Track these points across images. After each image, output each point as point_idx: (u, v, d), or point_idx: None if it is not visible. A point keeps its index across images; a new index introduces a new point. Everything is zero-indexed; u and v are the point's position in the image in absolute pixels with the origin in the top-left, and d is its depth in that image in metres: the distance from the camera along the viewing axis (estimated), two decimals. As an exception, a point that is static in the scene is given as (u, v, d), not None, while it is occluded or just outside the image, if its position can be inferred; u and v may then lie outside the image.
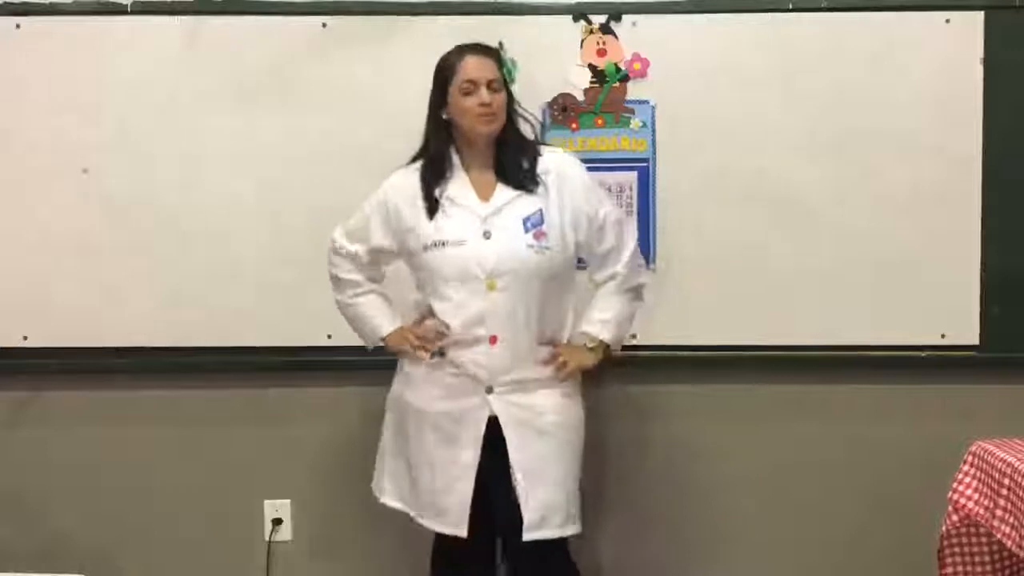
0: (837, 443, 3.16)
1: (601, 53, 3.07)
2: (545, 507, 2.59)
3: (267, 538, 3.22)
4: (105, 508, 3.20)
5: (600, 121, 3.08)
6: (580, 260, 2.74)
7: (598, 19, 3.06)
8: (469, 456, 2.60)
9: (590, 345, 2.69)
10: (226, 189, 3.10)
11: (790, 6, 3.04)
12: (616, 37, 3.07)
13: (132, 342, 3.12)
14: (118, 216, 3.10)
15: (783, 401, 3.16)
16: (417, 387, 2.67)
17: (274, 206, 3.10)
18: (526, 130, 2.71)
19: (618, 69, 3.07)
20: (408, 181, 2.66)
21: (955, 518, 2.56)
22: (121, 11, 3.07)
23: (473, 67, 2.60)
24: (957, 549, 2.60)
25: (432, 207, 2.61)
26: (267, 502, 3.22)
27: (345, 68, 3.07)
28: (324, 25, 3.07)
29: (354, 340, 3.09)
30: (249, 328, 3.11)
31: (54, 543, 3.17)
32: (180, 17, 3.07)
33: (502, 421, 2.60)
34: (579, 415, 2.71)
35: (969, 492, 2.50)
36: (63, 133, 3.09)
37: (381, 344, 2.75)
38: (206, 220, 3.10)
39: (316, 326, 3.10)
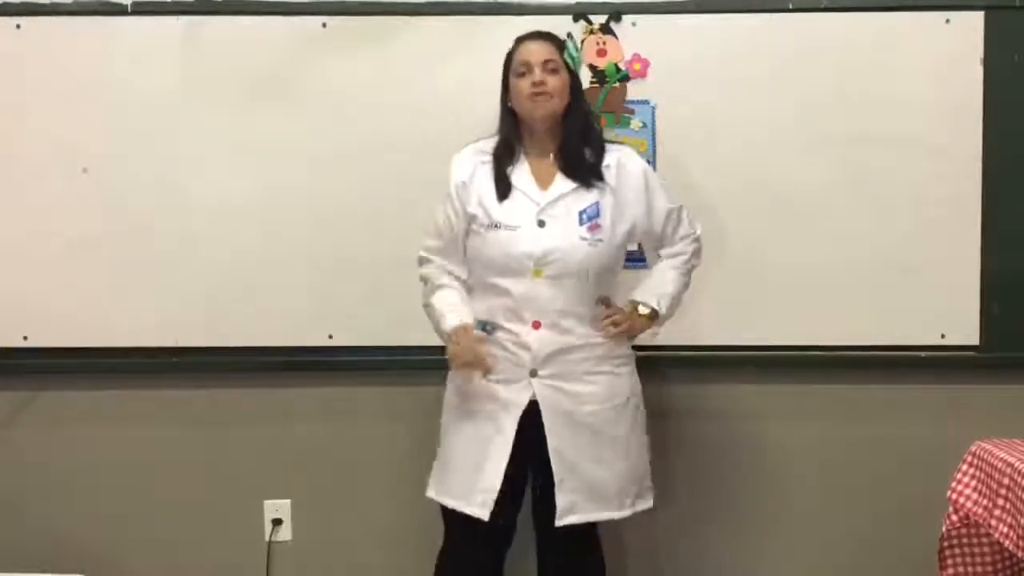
0: (837, 443, 3.16)
1: (601, 53, 3.07)
2: (576, 493, 2.61)
3: (267, 538, 3.22)
4: (105, 508, 3.20)
5: (600, 121, 3.07)
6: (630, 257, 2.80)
7: (598, 19, 3.07)
8: (504, 442, 2.60)
9: (643, 311, 2.71)
10: (226, 189, 3.10)
11: (790, 6, 3.04)
12: (616, 37, 3.07)
13: (132, 342, 3.12)
14: (118, 216, 3.10)
15: (783, 401, 3.16)
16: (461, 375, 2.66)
17: (274, 206, 3.10)
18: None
19: (618, 69, 3.07)
20: (473, 159, 2.68)
21: (955, 518, 2.56)
22: (121, 11, 3.07)
23: (527, 50, 2.64)
24: (957, 549, 2.60)
25: (502, 188, 2.63)
26: (267, 502, 3.22)
27: (345, 68, 3.07)
28: (324, 25, 3.07)
29: (354, 340, 3.12)
30: (249, 328, 3.11)
31: (54, 543, 3.17)
32: (180, 17, 3.07)
33: (542, 406, 2.60)
34: (626, 397, 2.69)
35: (968, 492, 2.50)
36: (63, 133, 3.09)
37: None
38: (206, 220, 3.10)
39: (316, 326, 3.10)
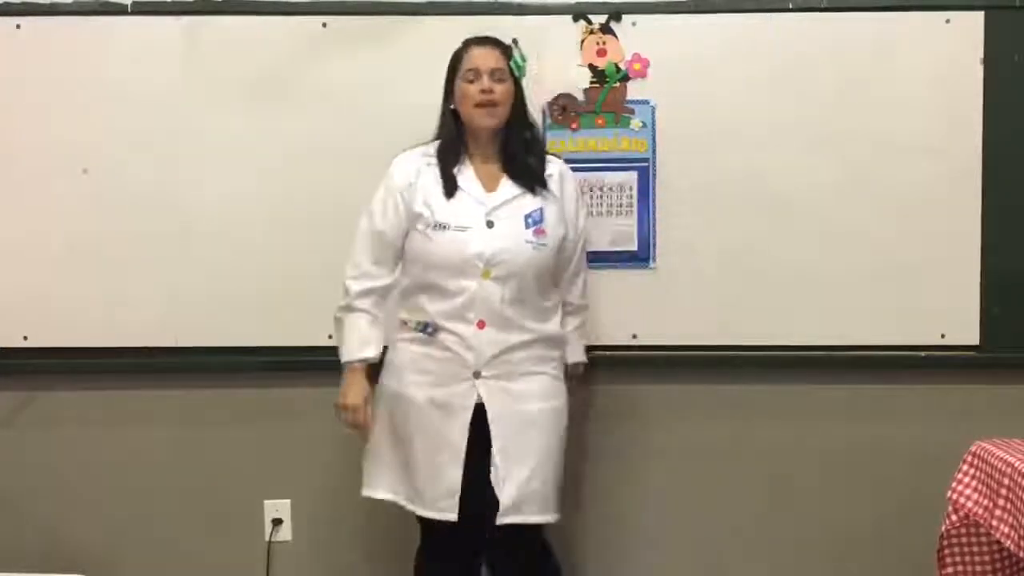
0: (837, 443, 3.16)
1: (601, 53, 3.07)
2: (521, 493, 2.61)
3: (267, 538, 3.22)
4: (105, 508, 3.20)
5: (600, 121, 3.08)
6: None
7: (598, 19, 3.06)
8: (457, 442, 2.62)
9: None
10: (226, 189, 3.10)
11: (790, 6, 3.04)
12: (616, 37, 3.07)
13: (132, 342, 3.12)
14: (118, 216, 3.10)
15: (783, 401, 3.16)
16: (404, 375, 2.68)
17: (274, 206, 3.10)
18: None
19: (618, 69, 3.07)
20: (416, 161, 2.70)
21: (955, 518, 2.56)
22: (121, 11, 3.07)
23: (476, 56, 2.67)
24: (957, 549, 2.60)
25: (449, 189, 2.64)
26: (267, 502, 3.22)
27: (345, 68, 3.07)
28: (324, 25, 3.07)
29: (354, 340, 3.11)
30: (249, 328, 3.11)
31: (54, 543, 3.17)
32: (180, 17, 3.07)
33: (487, 406, 2.62)
34: (564, 402, 2.73)
35: (968, 492, 2.50)
36: (63, 133, 3.09)
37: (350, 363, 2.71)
38: (206, 220, 3.10)
39: (316, 326, 3.09)
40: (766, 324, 3.10)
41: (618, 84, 3.07)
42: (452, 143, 2.69)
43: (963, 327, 3.08)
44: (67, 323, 3.12)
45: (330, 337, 3.06)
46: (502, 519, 2.60)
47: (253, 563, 3.22)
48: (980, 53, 3.04)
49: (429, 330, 2.64)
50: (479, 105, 2.64)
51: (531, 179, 2.69)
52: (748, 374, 3.14)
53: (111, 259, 3.11)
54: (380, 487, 2.73)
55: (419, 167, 2.69)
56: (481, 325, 2.61)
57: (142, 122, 3.08)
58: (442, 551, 2.72)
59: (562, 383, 2.74)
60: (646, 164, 3.08)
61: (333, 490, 3.20)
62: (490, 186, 2.67)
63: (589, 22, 3.07)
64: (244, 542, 3.22)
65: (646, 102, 3.08)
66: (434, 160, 2.69)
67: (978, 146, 3.05)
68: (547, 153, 2.80)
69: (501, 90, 2.65)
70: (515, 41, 2.88)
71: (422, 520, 2.70)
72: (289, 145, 3.09)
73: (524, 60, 2.76)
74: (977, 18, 3.03)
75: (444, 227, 2.62)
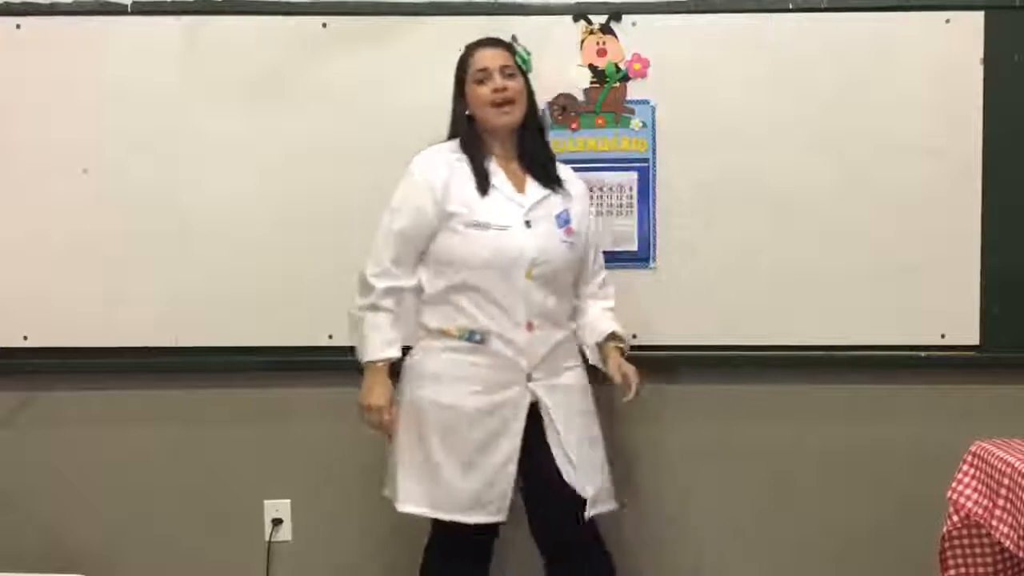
0: (837, 443, 3.16)
1: (601, 53, 3.07)
2: (595, 485, 2.64)
3: (267, 538, 3.22)
4: (105, 508, 3.20)
5: (600, 121, 3.08)
6: None
7: (598, 19, 3.06)
8: (512, 446, 2.61)
9: (622, 346, 2.79)
10: (226, 189, 3.10)
11: (790, 6, 3.04)
12: (616, 37, 3.07)
13: (132, 342, 3.12)
14: (118, 216, 3.10)
15: (783, 401, 3.16)
16: (447, 385, 2.62)
17: (274, 206, 3.10)
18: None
19: (618, 69, 3.07)
20: (445, 157, 2.65)
21: (956, 518, 2.56)
22: (121, 11, 3.07)
23: (484, 56, 2.67)
24: (959, 550, 2.60)
25: (483, 185, 2.62)
26: (267, 502, 3.22)
27: (345, 68, 3.07)
28: (324, 25, 3.07)
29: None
30: (249, 328, 3.11)
31: (54, 543, 3.17)
32: (180, 17, 3.07)
33: (548, 406, 2.62)
34: (590, 388, 2.78)
35: (968, 492, 2.50)
36: (63, 133, 3.09)
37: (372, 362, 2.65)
38: (206, 220, 3.10)
39: (316, 326, 3.10)
40: (766, 324, 3.10)
41: (618, 84, 3.07)
42: (469, 146, 2.67)
43: (963, 327, 3.08)
44: (67, 323, 3.12)
45: (330, 337, 3.09)
46: (592, 510, 2.61)
47: (253, 563, 3.22)
48: (980, 53, 3.04)
49: (477, 338, 2.60)
50: (494, 104, 2.63)
51: (551, 180, 2.71)
52: (748, 374, 3.14)
53: (111, 259, 3.11)
54: (410, 501, 2.66)
55: (449, 164, 2.64)
56: (530, 327, 2.61)
57: (142, 122, 3.08)
58: (462, 550, 2.70)
59: (585, 373, 2.78)
60: (646, 164, 3.08)
61: (333, 490, 3.20)
62: (518, 186, 2.67)
63: (589, 22, 3.07)
64: (244, 542, 3.22)
65: (646, 102, 3.08)
66: (463, 157, 2.65)
67: (978, 146, 3.05)
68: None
69: (514, 86, 2.65)
70: (514, 37, 2.88)
71: (439, 521, 2.67)
72: (289, 145, 3.08)
73: (528, 53, 2.75)
74: (977, 18, 3.03)
75: (485, 226, 2.59)
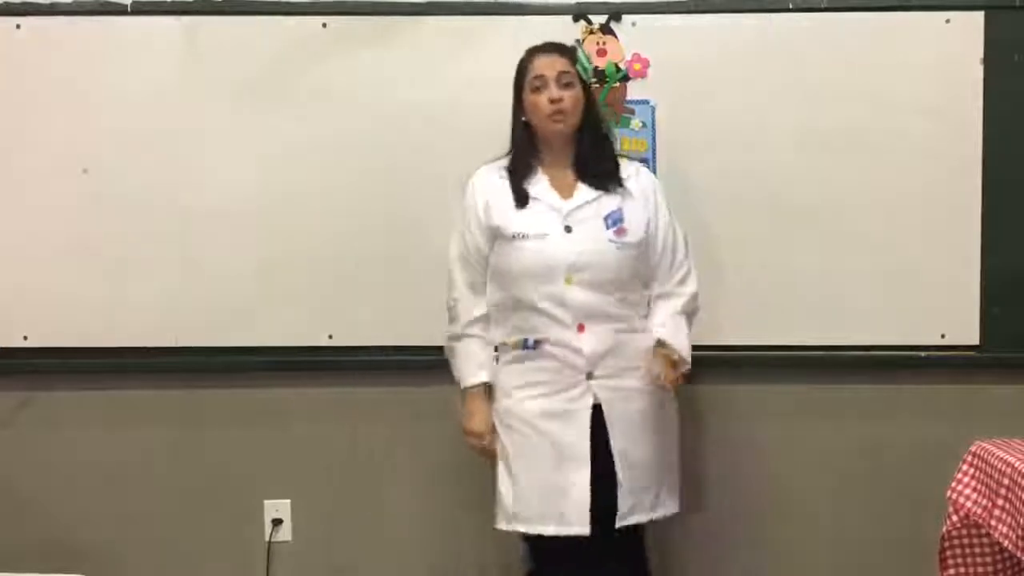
0: (837, 443, 3.16)
1: (601, 53, 3.07)
2: (636, 493, 2.62)
3: (267, 538, 3.22)
4: (105, 508, 3.20)
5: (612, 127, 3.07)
6: None
7: (598, 19, 3.06)
8: (580, 449, 2.59)
9: (674, 357, 2.67)
10: (226, 189, 3.09)
11: (790, 6, 3.04)
12: (616, 37, 3.07)
13: (132, 342, 3.12)
14: (118, 216, 3.10)
15: (783, 401, 3.16)
16: (515, 393, 2.64)
17: (274, 206, 3.10)
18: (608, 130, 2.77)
19: (618, 69, 3.07)
20: (491, 176, 2.69)
21: (955, 518, 2.55)
22: (121, 11, 3.07)
23: (541, 63, 2.64)
24: (959, 550, 2.60)
25: (520, 199, 2.63)
26: (267, 502, 3.22)
27: (345, 68, 3.07)
28: (324, 25, 3.07)
29: (354, 340, 3.11)
30: (249, 328, 3.11)
31: (54, 543, 3.17)
32: (180, 17, 3.07)
33: (605, 408, 2.61)
34: (666, 397, 2.70)
35: (968, 492, 2.50)
36: (63, 133, 3.09)
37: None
38: (206, 220, 3.10)
39: (316, 326, 3.10)
40: (766, 324, 3.10)
41: (618, 84, 3.07)
42: (524, 154, 2.67)
43: (963, 327, 3.08)
44: (67, 323, 3.12)
45: (330, 337, 3.10)
46: (623, 522, 2.60)
47: (253, 563, 3.22)
48: (980, 53, 3.03)
49: (531, 343, 2.62)
50: (549, 116, 2.61)
51: (606, 179, 2.66)
52: (748, 374, 3.14)
53: (111, 259, 3.11)
54: (502, 519, 2.66)
55: (494, 181, 2.67)
56: (581, 328, 2.60)
57: (142, 122, 3.08)
58: (563, 565, 2.64)
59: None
60: (646, 164, 3.07)
61: (333, 490, 3.20)
62: (566, 193, 2.65)
63: (589, 22, 3.06)
64: (244, 542, 3.22)
65: (646, 102, 3.08)
66: (505, 174, 2.67)
67: (978, 146, 3.05)
68: (623, 156, 2.78)
69: (570, 96, 2.62)
70: (578, 41, 2.86)
71: (530, 538, 2.64)
72: (289, 145, 3.08)
73: (589, 61, 2.73)
74: (977, 18, 3.03)
75: (524, 237, 2.60)
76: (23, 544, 3.15)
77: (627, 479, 2.61)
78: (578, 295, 2.59)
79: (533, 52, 2.67)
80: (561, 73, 2.63)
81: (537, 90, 2.62)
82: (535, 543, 2.66)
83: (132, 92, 3.08)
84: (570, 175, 2.68)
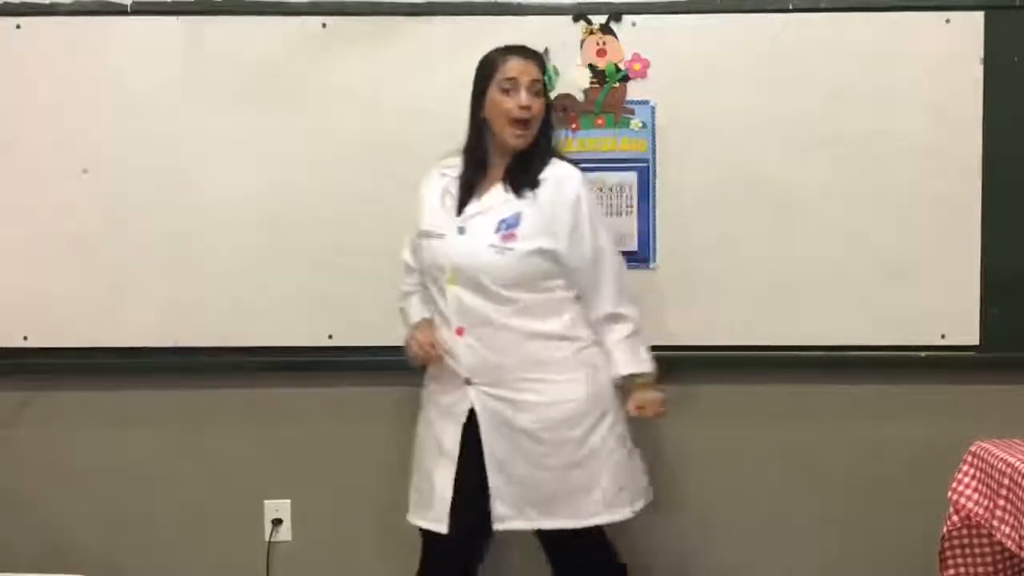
0: (837, 443, 3.16)
1: (601, 53, 3.07)
2: (515, 500, 2.62)
3: (267, 538, 3.22)
4: (105, 508, 3.20)
5: (600, 121, 3.08)
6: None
7: (598, 19, 3.06)
8: (449, 448, 2.63)
9: (642, 381, 2.68)
10: (226, 189, 3.09)
11: (790, 6, 3.04)
12: (616, 37, 3.07)
13: (132, 342, 3.12)
14: (118, 216, 3.10)
15: (783, 401, 3.16)
16: (428, 384, 2.76)
17: (274, 206, 3.10)
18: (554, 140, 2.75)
19: (618, 69, 3.07)
20: (432, 175, 2.73)
21: (955, 518, 2.56)
22: (121, 11, 3.07)
23: (516, 66, 2.61)
24: (959, 550, 2.60)
25: (443, 197, 2.67)
26: (267, 502, 3.22)
27: (345, 68, 3.07)
28: (324, 25, 3.07)
29: (354, 340, 3.11)
30: (249, 328, 3.11)
31: (54, 543, 3.17)
32: (180, 17, 3.07)
33: (478, 414, 2.61)
34: (581, 401, 2.61)
35: (969, 492, 2.50)
36: (63, 133, 3.09)
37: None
38: (206, 220, 3.10)
39: (316, 326, 3.10)
40: (766, 324, 3.10)
41: (618, 84, 3.07)
42: (474, 156, 2.66)
43: (963, 327, 3.08)
44: (67, 323, 3.12)
45: (330, 337, 3.10)
46: (498, 526, 2.63)
47: (253, 563, 3.22)
48: (980, 53, 3.04)
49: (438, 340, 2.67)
50: (516, 120, 2.58)
51: (525, 185, 2.60)
52: (748, 374, 3.14)
53: (111, 259, 3.11)
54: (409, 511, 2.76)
55: (434, 177, 2.71)
56: (460, 332, 2.60)
57: (142, 122, 3.08)
58: (434, 565, 2.72)
59: (581, 384, 2.62)
60: (646, 164, 3.08)
61: (333, 490, 3.20)
62: (483, 193, 2.64)
63: (589, 22, 3.06)
64: (244, 542, 3.22)
65: (646, 102, 3.08)
66: (449, 173, 2.69)
67: (978, 146, 3.05)
68: (561, 158, 2.68)
69: (538, 106, 2.61)
70: (546, 50, 2.85)
71: (420, 533, 2.72)
72: (289, 145, 3.08)
73: (556, 72, 2.74)
74: (977, 18, 3.03)
75: (428, 235, 2.65)
76: (23, 544, 3.15)
77: (501, 483, 2.60)
78: (458, 297, 2.59)
79: (507, 52, 2.63)
80: (533, 81, 2.61)
81: (506, 92, 2.59)
82: (423, 535, 2.73)
83: (132, 92, 3.08)
84: (498, 175, 2.65)
